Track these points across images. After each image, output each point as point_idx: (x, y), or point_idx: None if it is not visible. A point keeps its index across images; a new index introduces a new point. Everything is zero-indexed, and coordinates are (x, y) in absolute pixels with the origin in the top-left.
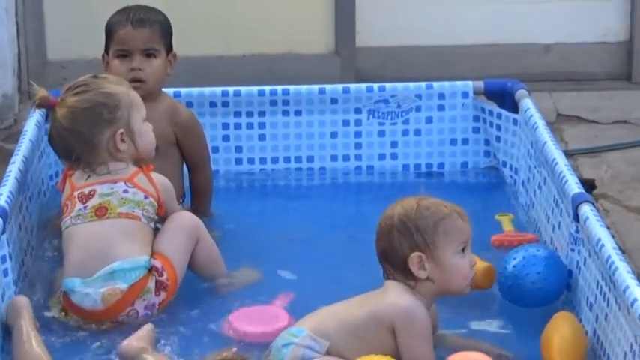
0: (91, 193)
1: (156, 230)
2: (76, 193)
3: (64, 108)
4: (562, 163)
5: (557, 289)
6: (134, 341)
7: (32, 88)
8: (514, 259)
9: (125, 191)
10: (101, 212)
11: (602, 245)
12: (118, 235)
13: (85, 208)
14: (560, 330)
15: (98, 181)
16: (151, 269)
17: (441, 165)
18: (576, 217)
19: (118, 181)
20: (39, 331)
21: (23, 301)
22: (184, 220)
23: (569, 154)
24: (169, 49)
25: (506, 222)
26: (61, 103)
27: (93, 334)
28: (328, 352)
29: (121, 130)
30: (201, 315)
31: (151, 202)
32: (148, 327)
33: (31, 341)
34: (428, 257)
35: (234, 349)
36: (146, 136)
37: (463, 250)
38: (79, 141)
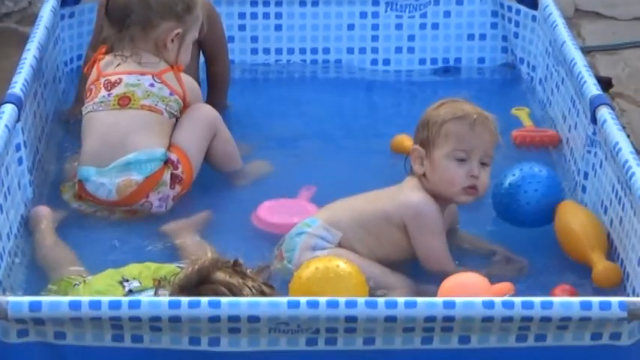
0: (117, 81)
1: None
2: (102, 79)
3: None
4: (581, 64)
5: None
6: (176, 223)
7: None
8: (513, 175)
9: (151, 85)
10: (124, 102)
11: (620, 149)
12: (137, 126)
13: (109, 95)
14: (577, 219)
15: (126, 70)
16: (167, 162)
17: (458, 60)
18: (594, 120)
19: (146, 73)
20: (60, 225)
21: (44, 211)
22: (202, 112)
23: (586, 51)
24: None
25: (524, 116)
26: None
27: (108, 221)
28: (340, 244)
29: (179, 31)
30: (225, 207)
31: (176, 100)
32: (202, 214)
33: (51, 245)
34: (427, 154)
35: (209, 254)
36: (187, 52)
37: (461, 158)
38: (142, 11)
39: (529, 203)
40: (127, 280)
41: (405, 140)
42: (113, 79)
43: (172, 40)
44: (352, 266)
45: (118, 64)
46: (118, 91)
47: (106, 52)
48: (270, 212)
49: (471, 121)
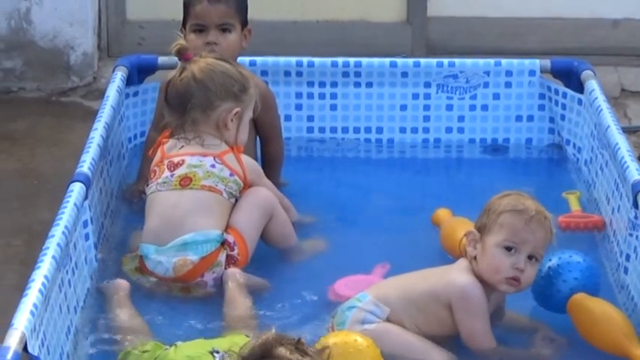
0: (180, 162)
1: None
2: (165, 161)
3: (202, 63)
4: (624, 149)
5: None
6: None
7: (175, 36)
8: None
9: (212, 165)
10: (185, 182)
11: None
12: (196, 207)
13: (171, 175)
14: (603, 309)
15: (189, 152)
16: (223, 243)
17: (506, 140)
18: (636, 204)
19: (207, 154)
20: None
21: (123, 284)
22: (260, 196)
23: (632, 131)
24: (245, 23)
25: (573, 201)
26: (200, 59)
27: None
28: (389, 319)
29: (238, 109)
30: (301, 282)
31: (236, 180)
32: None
33: (129, 315)
34: (481, 238)
35: (273, 330)
36: (245, 131)
37: (511, 249)
38: (202, 94)
39: (560, 291)
40: (218, 352)
41: (441, 214)
42: (176, 160)
43: (232, 120)
44: (367, 340)
45: (182, 147)
46: (180, 171)
47: (170, 136)
48: (347, 287)
49: (527, 216)
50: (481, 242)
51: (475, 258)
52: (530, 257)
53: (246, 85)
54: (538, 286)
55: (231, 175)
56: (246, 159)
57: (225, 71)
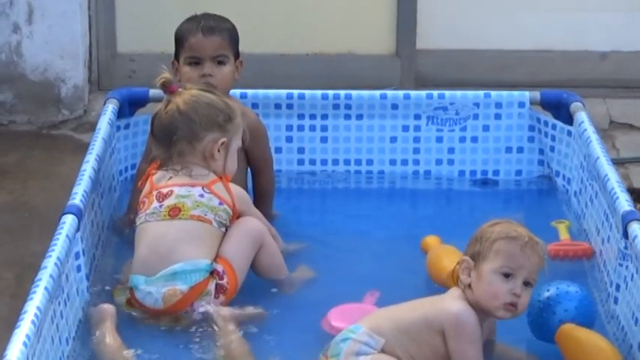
0: (169, 193)
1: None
2: (154, 192)
3: (186, 95)
4: (614, 179)
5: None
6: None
7: (160, 69)
8: (547, 290)
9: (201, 195)
10: (174, 212)
11: None
12: (185, 236)
13: (160, 206)
14: (590, 340)
15: (177, 182)
16: (212, 272)
17: (496, 172)
18: (626, 234)
19: (196, 185)
20: (119, 331)
21: (109, 309)
22: (249, 226)
23: (620, 162)
24: (237, 55)
25: (562, 230)
26: (185, 92)
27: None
28: (383, 350)
29: (224, 140)
30: (292, 313)
31: (225, 209)
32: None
33: (114, 347)
34: (475, 266)
35: None
36: (234, 160)
37: (508, 275)
38: (186, 126)
39: (562, 320)
40: None
41: (429, 241)
42: (165, 191)
43: (219, 150)
44: None
45: (170, 178)
46: (169, 202)
47: (158, 168)
48: (341, 317)
49: (522, 242)
50: (475, 270)
51: (469, 286)
52: (525, 283)
53: (232, 114)
54: (536, 317)
55: (220, 203)
56: (234, 188)
57: (210, 102)
